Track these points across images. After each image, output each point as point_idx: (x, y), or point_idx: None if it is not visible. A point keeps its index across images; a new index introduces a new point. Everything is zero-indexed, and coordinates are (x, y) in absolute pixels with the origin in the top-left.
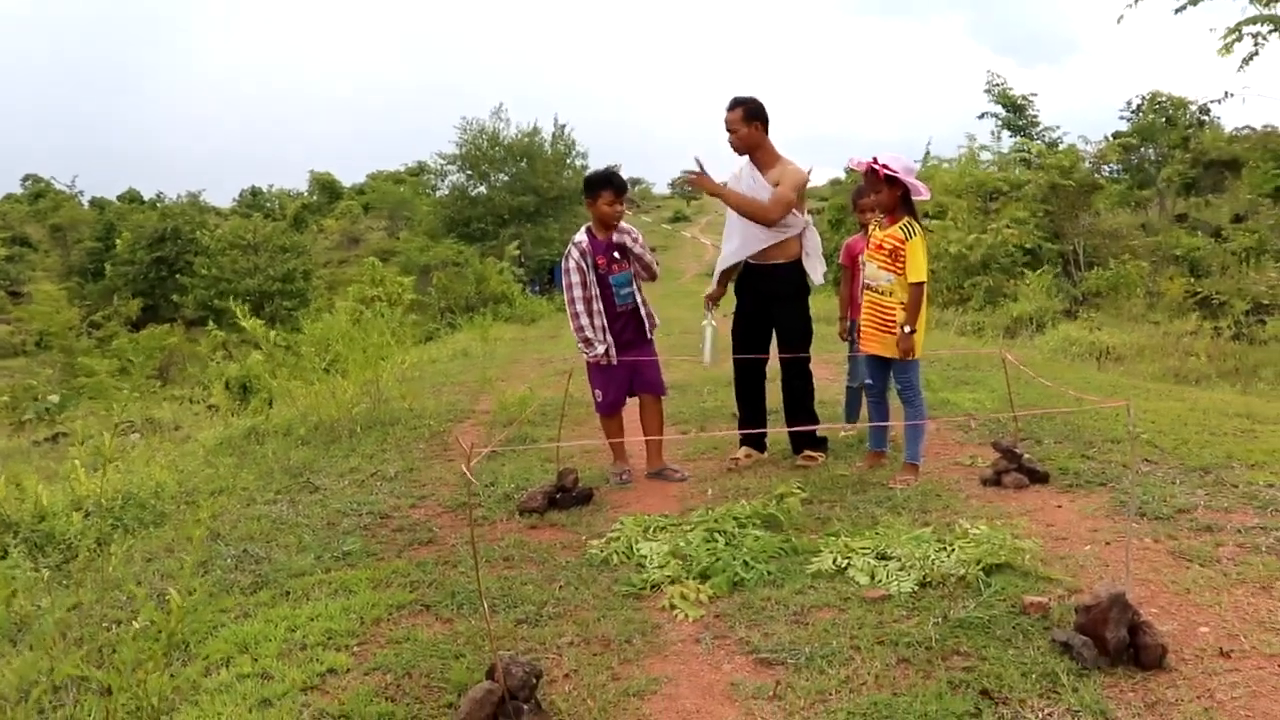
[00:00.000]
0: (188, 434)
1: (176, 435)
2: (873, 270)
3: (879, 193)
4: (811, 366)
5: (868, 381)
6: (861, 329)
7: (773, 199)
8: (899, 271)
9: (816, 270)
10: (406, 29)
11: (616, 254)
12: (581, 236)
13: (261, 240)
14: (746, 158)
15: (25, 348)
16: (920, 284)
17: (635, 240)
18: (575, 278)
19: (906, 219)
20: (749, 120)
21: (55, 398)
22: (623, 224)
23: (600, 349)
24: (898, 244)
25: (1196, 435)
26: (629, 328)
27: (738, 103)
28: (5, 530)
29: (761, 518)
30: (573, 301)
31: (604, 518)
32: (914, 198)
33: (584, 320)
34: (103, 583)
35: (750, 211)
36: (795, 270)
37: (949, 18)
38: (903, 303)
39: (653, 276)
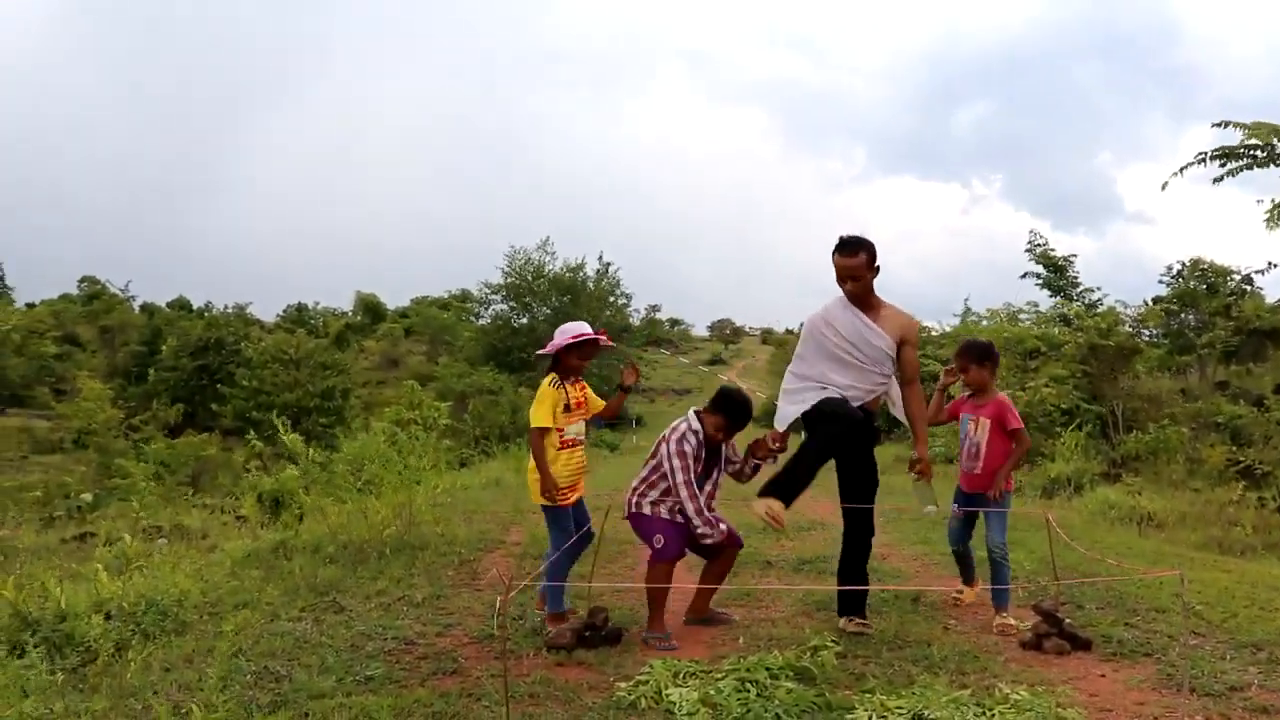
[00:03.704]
0: (215, 543)
1: (204, 544)
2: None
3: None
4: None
5: None
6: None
7: (915, 371)
8: None
9: (901, 415)
10: (456, 160)
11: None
12: (697, 425)
13: (303, 356)
14: (839, 297)
15: (63, 445)
16: (532, 428)
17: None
18: (681, 462)
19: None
20: (871, 265)
21: (89, 496)
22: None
23: (716, 534)
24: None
25: (1246, 609)
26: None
27: (859, 245)
28: (25, 629)
29: (795, 669)
30: (687, 484)
31: (633, 659)
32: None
33: (699, 504)
34: (119, 690)
35: (921, 412)
36: (871, 417)
37: (988, 178)
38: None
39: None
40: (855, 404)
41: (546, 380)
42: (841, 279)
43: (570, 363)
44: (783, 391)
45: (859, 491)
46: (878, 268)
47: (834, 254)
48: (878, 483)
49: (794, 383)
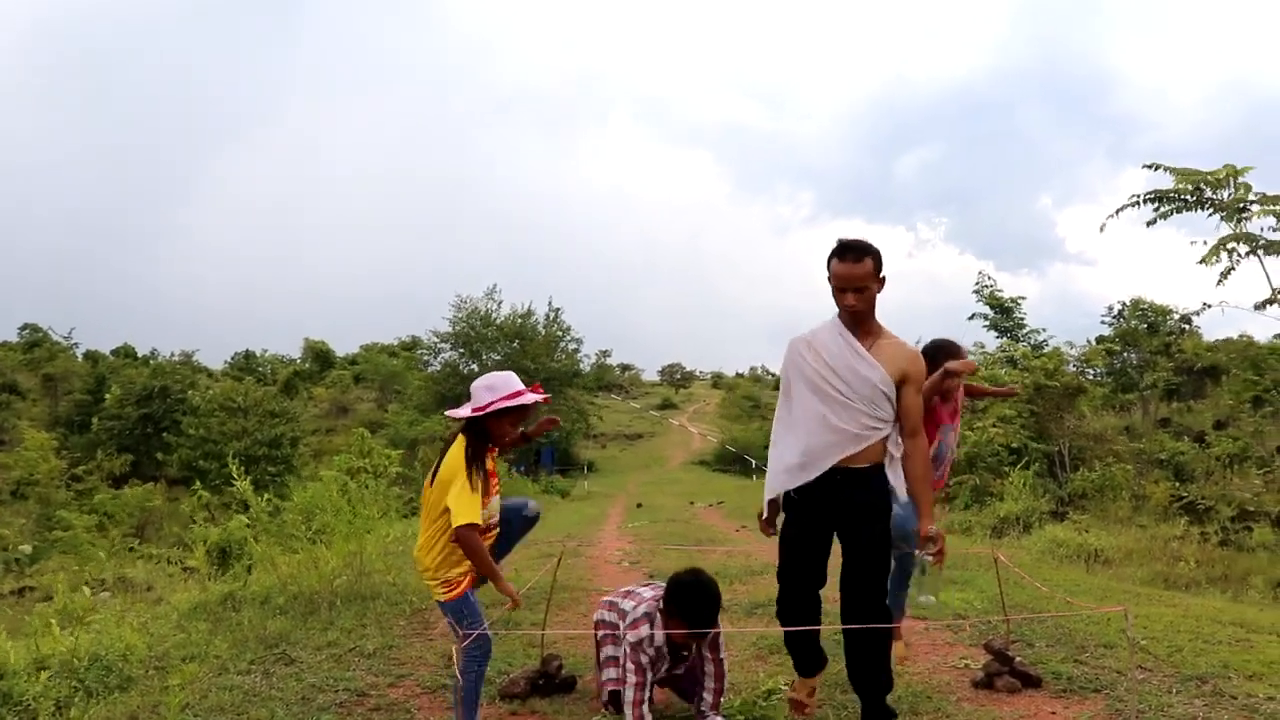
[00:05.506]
0: (160, 596)
1: (149, 596)
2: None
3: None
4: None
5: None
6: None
7: (918, 421)
8: None
9: (900, 482)
10: (407, 205)
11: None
12: (660, 637)
13: (251, 404)
14: (832, 319)
15: (1, 496)
16: (462, 525)
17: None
18: (636, 676)
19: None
20: (878, 275)
21: (28, 548)
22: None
23: None
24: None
25: (1190, 643)
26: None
27: (865, 249)
28: None
29: (749, 714)
30: (635, 705)
31: (587, 707)
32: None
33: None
34: None
35: (926, 473)
36: (880, 478)
37: (933, 221)
38: None
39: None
40: (839, 457)
41: (459, 451)
42: (841, 289)
43: (502, 429)
44: (773, 443)
45: (862, 570)
46: (884, 279)
47: (832, 260)
48: (888, 561)
49: (779, 434)
